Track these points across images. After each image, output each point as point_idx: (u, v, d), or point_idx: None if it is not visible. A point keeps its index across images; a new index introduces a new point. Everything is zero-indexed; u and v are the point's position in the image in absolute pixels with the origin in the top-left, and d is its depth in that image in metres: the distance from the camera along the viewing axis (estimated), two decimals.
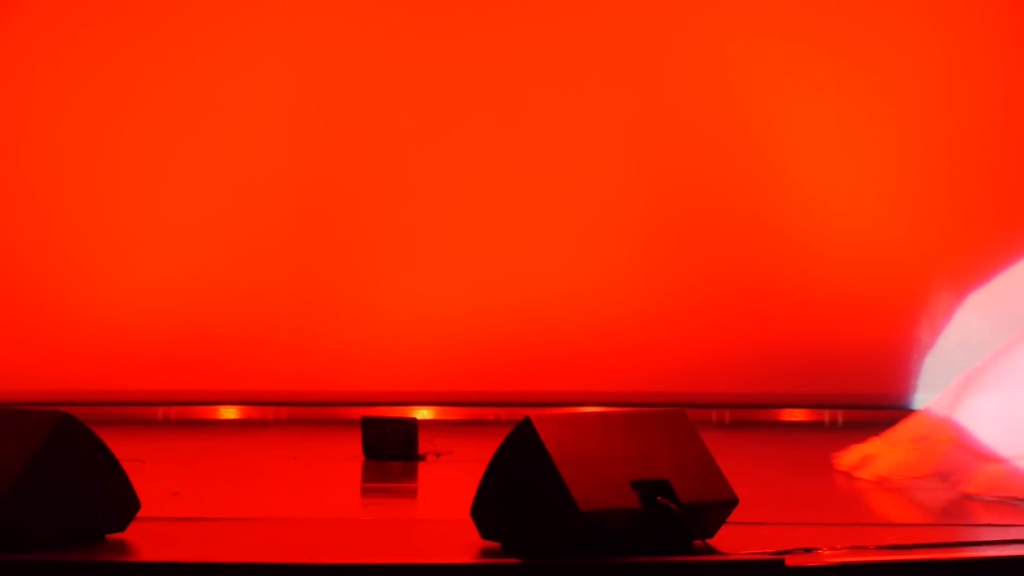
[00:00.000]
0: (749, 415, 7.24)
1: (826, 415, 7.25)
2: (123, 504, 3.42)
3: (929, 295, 7.18)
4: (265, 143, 7.29)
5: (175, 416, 7.27)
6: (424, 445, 5.35)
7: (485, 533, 3.33)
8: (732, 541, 3.32)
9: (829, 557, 3.24)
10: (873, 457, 4.76)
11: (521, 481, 3.22)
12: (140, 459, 4.65)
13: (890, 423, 7.01)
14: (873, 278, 7.18)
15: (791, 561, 3.20)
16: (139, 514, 3.45)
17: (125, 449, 3.62)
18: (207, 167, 7.30)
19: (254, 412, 7.33)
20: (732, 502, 3.36)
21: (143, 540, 3.39)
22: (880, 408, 7.22)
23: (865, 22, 7.23)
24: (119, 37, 7.29)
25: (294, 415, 7.26)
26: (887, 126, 7.25)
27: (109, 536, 3.40)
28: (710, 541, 3.30)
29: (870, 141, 7.25)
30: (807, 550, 3.27)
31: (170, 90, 7.29)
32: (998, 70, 7.21)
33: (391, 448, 5.28)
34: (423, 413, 7.15)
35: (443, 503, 4.39)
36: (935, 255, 7.19)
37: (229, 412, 7.34)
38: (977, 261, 7.18)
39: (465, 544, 3.33)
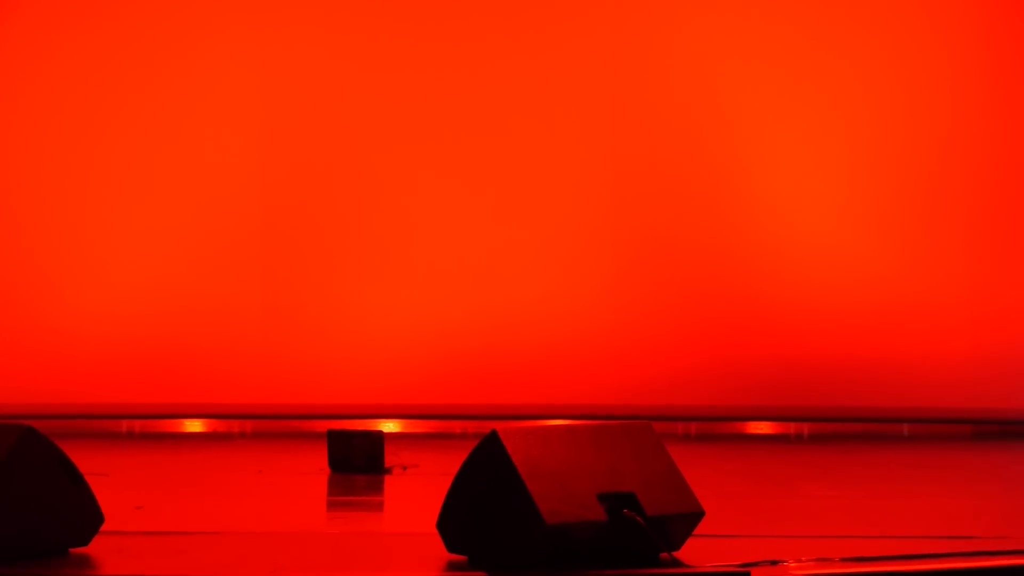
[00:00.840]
0: (715, 428, 7.26)
1: (792, 428, 7.28)
2: (87, 518, 3.40)
3: (892, 311, 7.23)
4: (233, 157, 7.27)
5: (139, 429, 7.23)
6: (390, 458, 5.33)
7: (451, 546, 3.32)
8: (698, 553, 3.32)
9: (795, 570, 3.25)
10: None
11: (487, 494, 3.22)
12: (104, 472, 4.63)
13: (855, 436, 7.07)
14: (837, 293, 7.22)
15: (757, 573, 3.20)
16: (103, 528, 3.42)
17: (89, 462, 3.60)
18: (173, 180, 7.27)
19: (219, 425, 7.30)
20: (698, 514, 3.36)
21: (107, 554, 3.36)
22: (846, 421, 7.26)
23: (835, 42, 7.27)
24: (85, 50, 7.26)
25: (259, 428, 7.24)
26: (855, 145, 7.29)
27: (73, 550, 3.38)
28: (676, 553, 3.30)
29: (837, 160, 7.29)
30: (773, 562, 3.28)
31: (138, 102, 7.27)
32: (969, 88, 7.27)
33: (357, 461, 5.27)
34: (389, 426, 7.13)
35: (409, 516, 4.38)
36: (898, 271, 7.23)
37: (194, 425, 7.31)
38: (944, 277, 7.23)
39: (431, 558, 3.32)
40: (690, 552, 3.33)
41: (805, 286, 7.20)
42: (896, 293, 7.22)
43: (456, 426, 7.15)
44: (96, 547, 3.39)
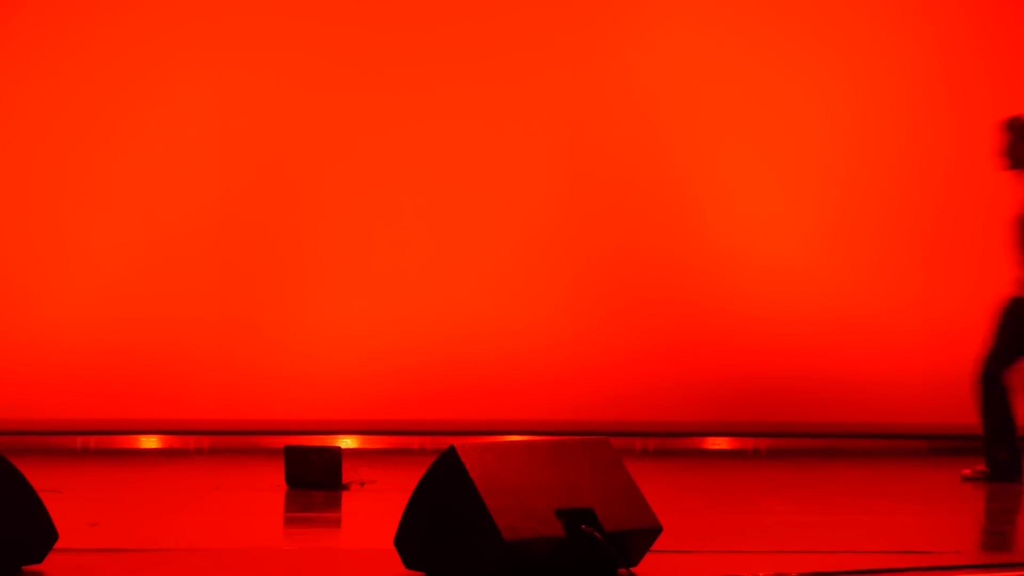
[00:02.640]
0: (673, 443, 7.27)
1: (749, 444, 7.30)
2: (40, 535, 3.37)
3: (849, 328, 7.27)
4: (186, 173, 7.24)
5: (94, 445, 7.18)
6: (348, 474, 5.32)
7: (409, 563, 3.31)
8: (656, 569, 3.32)
9: None
10: None
11: (445, 510, 3.21)
12: (58, 489, 4.59)
13: (813, 452, 7.10)
14: (795, 310, 7.25)
15: None
16: (57, 545, 3.39)
17: (42, 479, 3.57)
18: (128, 196, 7.23)
19: (175, 441, 7.25)
20: (656, 530, 3.37)
21: (61, 572, 3.33)
22: (803, 436, 7.29)
23: (799, 65, 7.32)
24: (39, 58, 7.22)
25: (216, 444, 7.19)
26: (814, 164, 7.34)
27: (26, 567, 3.35)
28: (634, 569, 3.31)
29: (795, 180, 7.33)
30: None
31: (94, 117, 7.23)
32: (927, 113, 7.33)
33: (315, 477, 5.25)
34: (347, 442, 7.11)
35: (367, 533, 4.36)
36: (855, 288, 7.28)
37: (150, 441, 7.26)
38: (901, 295, 7.29)
39: (389, 574, 3.31)
40: (648, 568, 3.33)
41: (763, 303, 7.23)
42: (853, 310, 7.26)
43: (414, 442, 7.13)
44: (50, 565, 3.36)
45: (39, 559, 3.37)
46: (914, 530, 4.34)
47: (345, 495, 5.11)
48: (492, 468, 3.20)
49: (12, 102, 7.20)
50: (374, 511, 4.76)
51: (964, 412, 7.22)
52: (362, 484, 5.31)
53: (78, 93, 7.20)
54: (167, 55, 7.23)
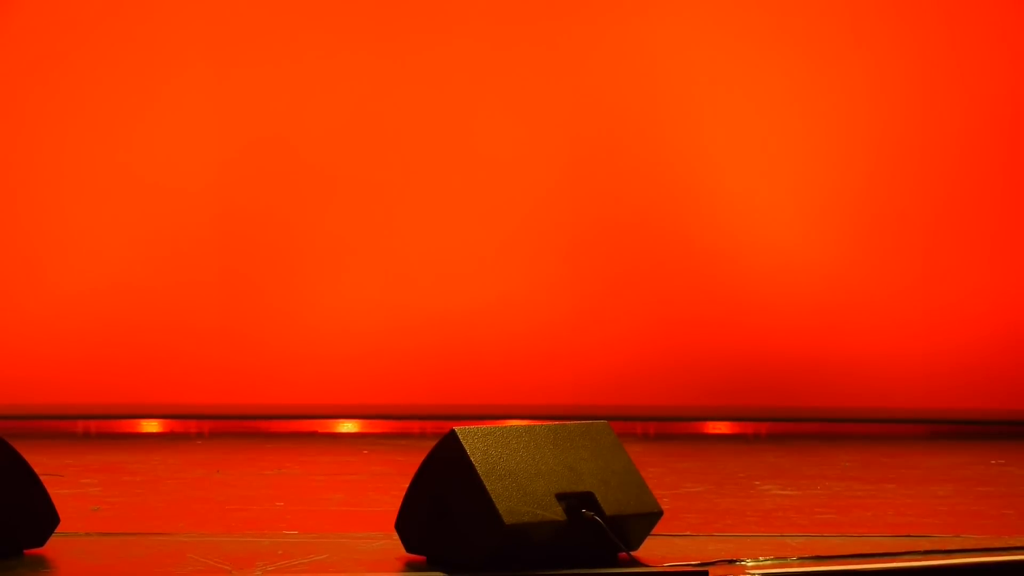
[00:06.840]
0: (673, 427, 7.28)
1: (750, 428, 7.31)
2: (42, 519, 3.37)
3: (849, 310, 7.27)
4: (185, 155, 7.23)
5: (95, 429, 7.19)
6: (341, 457, 5.31)
7: (409, 547, 3.32)
8: (656, 553, 3.33)
9: (752, 569, 3.26)
10: None
11: (446, 494, 3.22)
12: (59, 473, 4.60)
13: (813, 436, 7.10)
14: (795, 293, 7.25)
15: (715, 573, 3.22)
16: (58, 529, 3.40)
17: (44, 463, 3.57)
18: (125, 177, 7.23)
19: (176, 425, 7.26)
20: (656, 514, 3.37)
21: (62, 556, 3.34)
22: (804, 420, 7.30)
23: (800, 43, 7.31)
24: (29, 48, 7.22)
25: (217, 428, 7.20)
26: (814, 143, 7.33)
27: (27, 551, 3.35)
28: (635, 553, 3.31)
29: (795, 158, 7.32)
30: (731, 561, 3.29)
31: (87, 99, 7.22)
32: (929, 92, 7.32)
33: None
34: (348, 426, 7.12)
35: (368, 517, 4.37)
36: (855, 271, 7.28)
37: (151, 425, 7.27)
38: (902, 277, 7.29)
39: (390, 558, 3.32)
40: (648, 551, 3.34)
41: (765, 288, 7.23)
42: (853, 293, 7.26)
43: (415, 426, 7.14)
44: (51, 548, 3.37)
45: (40, 543, 3.37)
46: (914, 514, 4.35)
47: (345, 479, 5.11)
48: (492, 452, 3.21)
49: (12, 93, 7.19)
50: (375, 495, 4.76)
51: (965, 397, 7.25)
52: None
53: (71, 73, 7.19)
54: (166, 40, 7.23)
